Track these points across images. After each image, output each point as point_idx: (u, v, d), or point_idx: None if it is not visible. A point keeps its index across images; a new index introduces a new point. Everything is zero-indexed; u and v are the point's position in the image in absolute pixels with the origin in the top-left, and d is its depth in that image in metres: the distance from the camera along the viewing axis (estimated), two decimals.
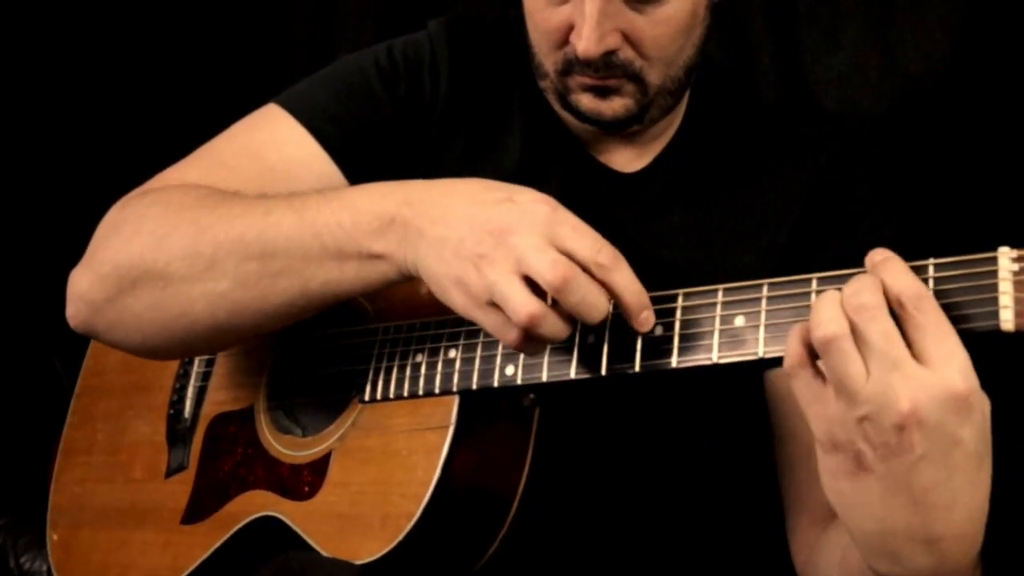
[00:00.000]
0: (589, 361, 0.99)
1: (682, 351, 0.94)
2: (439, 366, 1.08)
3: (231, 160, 1.21)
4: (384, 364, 1.13)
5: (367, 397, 1.13)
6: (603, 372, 0.98)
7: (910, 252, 0.84)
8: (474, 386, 1.05)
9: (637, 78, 1.17)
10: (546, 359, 1.01)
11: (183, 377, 1.33)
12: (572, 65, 1.17)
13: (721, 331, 0.93)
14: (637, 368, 0.96)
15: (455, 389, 1.06)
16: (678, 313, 0.95)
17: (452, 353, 1.07)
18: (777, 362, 0.87)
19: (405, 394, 1.10)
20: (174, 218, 1.10)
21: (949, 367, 0.78)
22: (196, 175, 1.19)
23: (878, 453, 0.80)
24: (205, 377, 1.32)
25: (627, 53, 1.15)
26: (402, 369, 1.11)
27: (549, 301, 0.93)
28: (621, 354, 0.97)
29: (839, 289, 0.82)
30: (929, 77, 1.56)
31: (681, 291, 0.96)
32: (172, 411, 1.32)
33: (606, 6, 1.11)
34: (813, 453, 0.86)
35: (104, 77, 1.99)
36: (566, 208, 0.96)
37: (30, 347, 1.88)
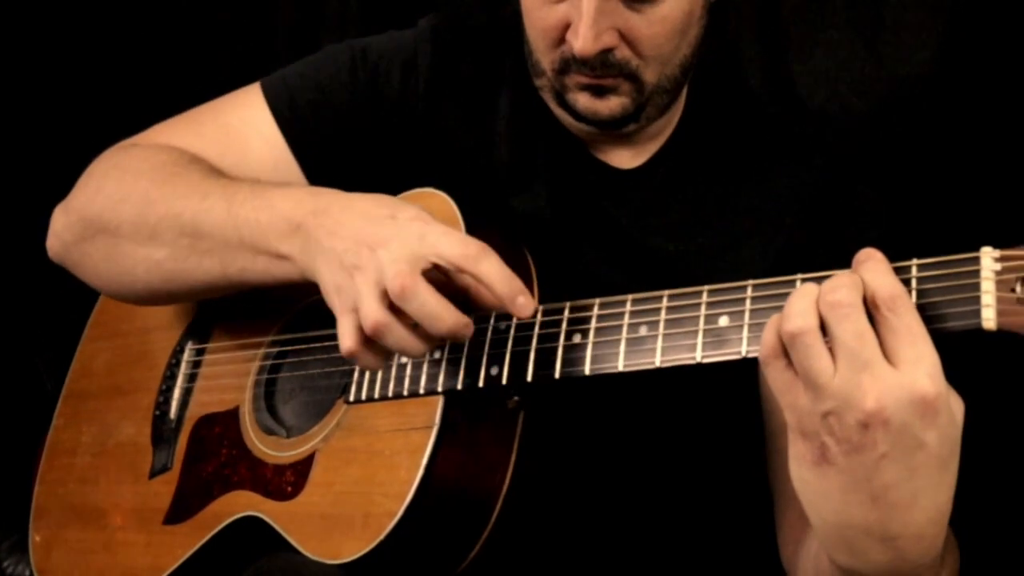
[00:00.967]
0: (574, 361, 0.99)
1: (665, 351, 0.94)
2: (424, 366, 1.08)
3: (206, 130, 1.31)
4: None
5: (352, 398, 1.13)
6: (586, 372, 0.98)
7: (897, 253, 0.85)
8: (459, 386, 1.05)
9: (633, 77, 1.18)
10: (532, 358, 1.01)
11: (170, 379, 1.33)
12: (569, 64, 1.18)
13: (705, 331, 0.93)
14: (620, 368, 0.96)
15: (440, 389, 1.06)
16: (663, 313, 0.96)
17: (437, 353, 1.07)
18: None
19: (390, 394, 1.10)
20: (130, 186, 1.22)
21: (917, 370, 0.78)
22: (174, 137, 1.30)
23: (841, 448, 0.80)
24: (192, 379, 1.32)
25: (623, 52, 1.16)
26: (387, 369, 1.11)
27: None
28: (605, 355, 0.97)
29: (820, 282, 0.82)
30: (915, 78, 1.57)
31: (666, 292, 0.96)
32: (158, 412, 1.32)
33: (603, 4, 1.12)
34: None
35: (90, 74, 1.98)
36: (432, 225, 1.02)
37: (12, 347, 1.87)
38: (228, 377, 1.28)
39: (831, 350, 0.80)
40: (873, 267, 0.81)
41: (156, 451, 1.30)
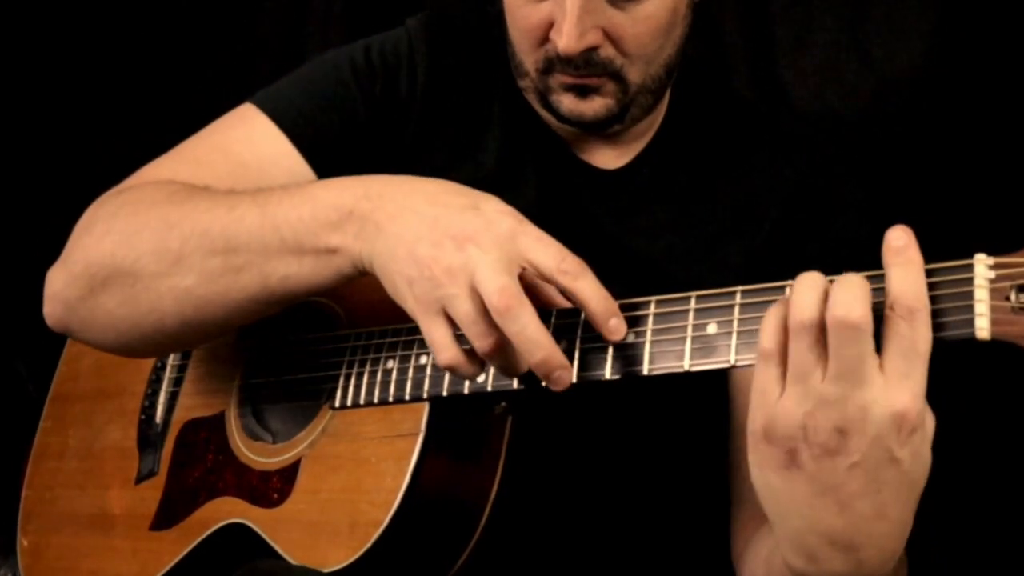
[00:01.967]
0: None
1: (653, 358, 0.93)
2: (410, 372, 1.06)
3: (205, 157, 1.21)
4: (355, 370, 1.11)
5: (338, 403, 1.12)
6: (574, 379, 0.97)
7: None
8: (444, 393, 1.04)
9: (618, 77, 1.16)
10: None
11: (155, 383, 1.32)
12: (553, 64, 1.16)
13: (693, 338, 0.91)
14: (608, 375, 0.95)
15: (425, 396, 1.05)
16: (650, 320, 0.94)
17: (423, 359, 1.06)
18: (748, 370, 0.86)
19: (376, 400, 1.08)
20: (144, 215, 1.10)
21: (903, 386, 0.77)
22: (171, 172, 1.19)
23: (812, 452, 0.80)
24: (177, 383, 1.30)
25: (608, 51, 1.14)
26: (373, 375, 1.09)
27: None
28: (593, 361, 0.96)
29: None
30: (903, 78, 1.57)
31: (654, 298, 0.95)
32: (144, 416, 1.31)
33: (587, 2, 1.11)
34: None
35: (71, 78, 1.96)
36: (531, 222, 0.95)
37: None
38: (214, 381, 1.26)
39: (827, 354, 0.78)
40: (906, 269, 0.78)
41: (142, 456, 1.28)
